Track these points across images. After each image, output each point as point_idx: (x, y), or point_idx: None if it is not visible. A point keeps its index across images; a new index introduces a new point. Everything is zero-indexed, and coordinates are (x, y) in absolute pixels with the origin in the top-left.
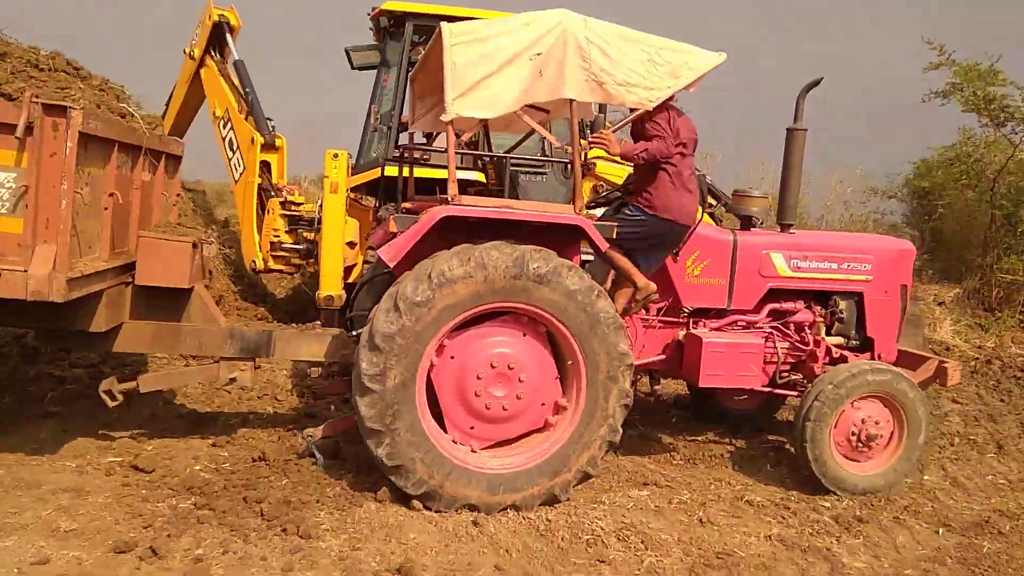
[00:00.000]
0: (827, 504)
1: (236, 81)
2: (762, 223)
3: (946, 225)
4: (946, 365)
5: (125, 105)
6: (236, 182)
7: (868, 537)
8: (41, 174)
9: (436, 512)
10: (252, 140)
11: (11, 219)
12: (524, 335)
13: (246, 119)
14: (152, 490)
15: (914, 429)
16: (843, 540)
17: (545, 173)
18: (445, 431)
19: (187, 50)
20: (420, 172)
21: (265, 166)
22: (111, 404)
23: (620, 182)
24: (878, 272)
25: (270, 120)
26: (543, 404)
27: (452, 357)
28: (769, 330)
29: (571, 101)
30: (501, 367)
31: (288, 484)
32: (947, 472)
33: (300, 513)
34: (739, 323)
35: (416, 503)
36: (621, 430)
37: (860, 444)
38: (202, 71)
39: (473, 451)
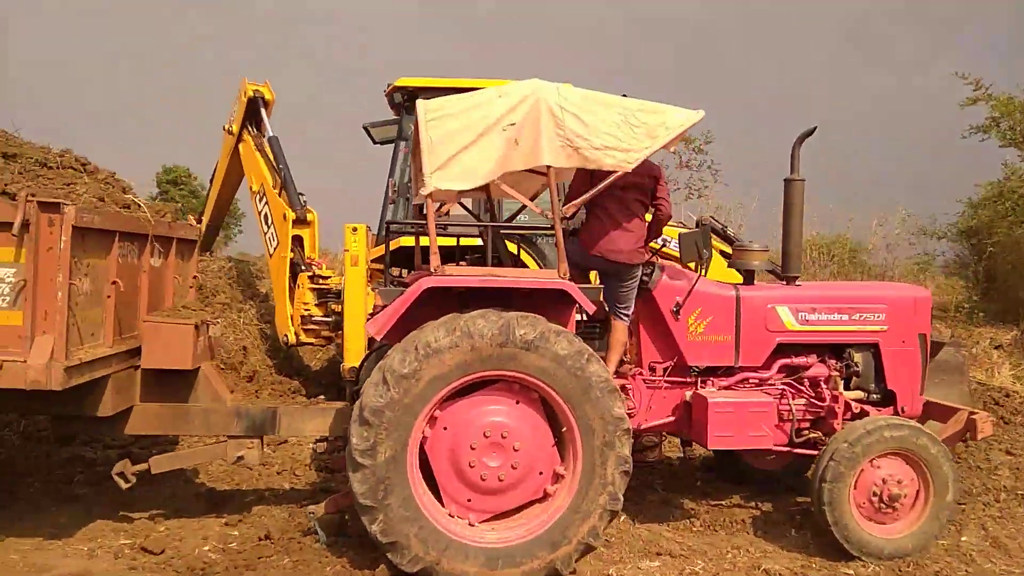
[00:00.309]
0: (850, 571)
1: (271, 156)
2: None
3: (999, 264)
4: (975, 417)
5: (131, 196)
6: (271, 256)
7: None
8: (38, 268)
9: None
10: (284, 216)
11: (11, 312)
12: (517, 403)
13: (279, 194)
14: (156, 572)
15: (940, 487)
16: None
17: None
18: (442, 505)
19: (226, 126)
20: (443, 241)
21: (297, 240)
22: (124, 486)
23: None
24: (893, 321)
25: (302, 195)
26: (541, 473)
27: (445, 428)
28: (782, 387)
29: (549, 168)
30: (495, 436)
31: (289, 563)
32: (988, 532)
33: None
34: (750, 380)
35: None
36: (622, 498)
37: (883, 505)
38: (240, 146)
39: (471, 524)
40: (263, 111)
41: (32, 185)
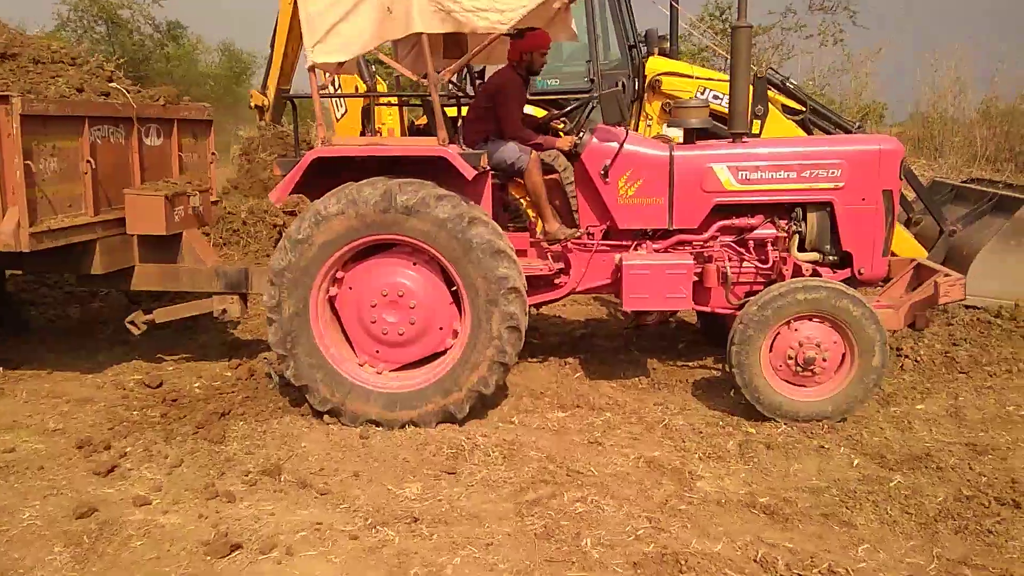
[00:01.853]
0: (753, 430)
1: None
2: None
3: None
4: (939, 280)
5: (114, 84)
6: (337, 121)
7: (760, 463)
8: (1, 152)
9: (342, 426)
10: (356, 88)
11: None
12: (414, 264)
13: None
14: (142, 402)
15: (865, 350)
16: (728, 466)
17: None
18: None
19: None
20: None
21: (365, 113)
22: (136, 332)
23: (688, 96)
24: (851, 177)
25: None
26: (441, 328)
27: (350, 288)
28: (721, 249)
29: (422, 34)
30: (392, 295)
31: (244, 399)
32: (957, 401)
33: (224, 422)
34: (685, 243)
35: (327, 418)
36: (510, 351)
37: (800, 368)
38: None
39: (378, 373)
40: None
41: (17, 81)
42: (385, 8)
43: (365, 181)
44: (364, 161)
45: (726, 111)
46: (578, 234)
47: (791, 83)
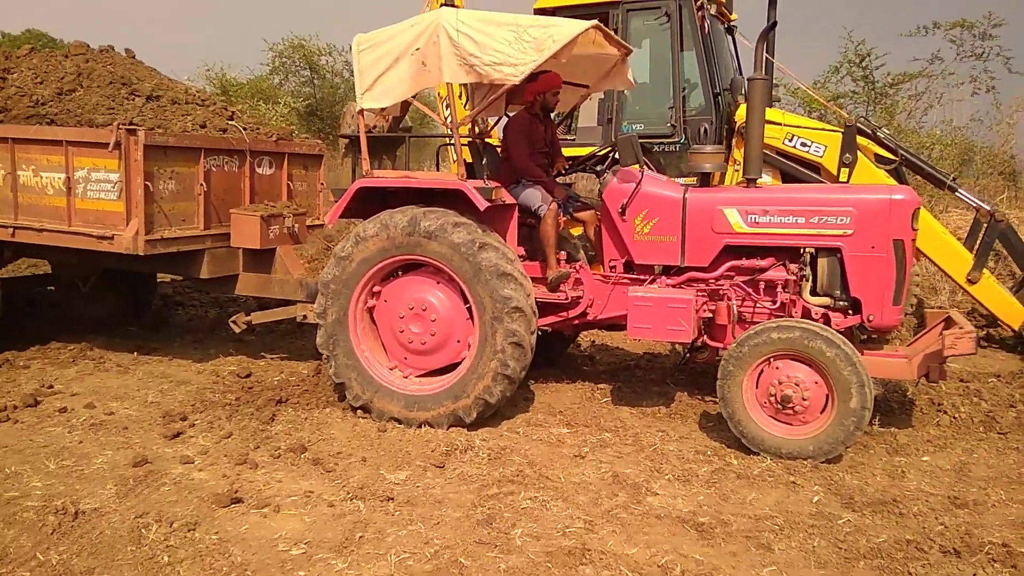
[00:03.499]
0: (736, 462)
1: None
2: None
3: None
4: (945, 333)
5: (232, 123)
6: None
7: (721, 490)
8: (128, 173)
9: (368, 420)
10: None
11: (117, 203)
12: (438, 283)
13: (465, 105)
14: (227, 388)
15: (842, 392)
16: (690, 488)
17: (675, 144)
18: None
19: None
20: (568, 151)
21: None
22: (237, 330)
23: (777, 143)
24: (860, 225)
25: None
26: (459, 341)
27: (386, 300)
28: (730, 288)
29: (449, 83)
30: (417, 309)
31: (302, 392)
32: (969, 459)
33: (279, 408)
34: (697, 281)
35: (360, 413)
36: (512, 364)
37: (780, 406)
38: None
39: (405, 376)
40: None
41: (153, 118)
42: (420, 62)
43: (398, 209)
44: (406, 191)
45: (814, 158)
46: (564, 273)
47: (883, 132)
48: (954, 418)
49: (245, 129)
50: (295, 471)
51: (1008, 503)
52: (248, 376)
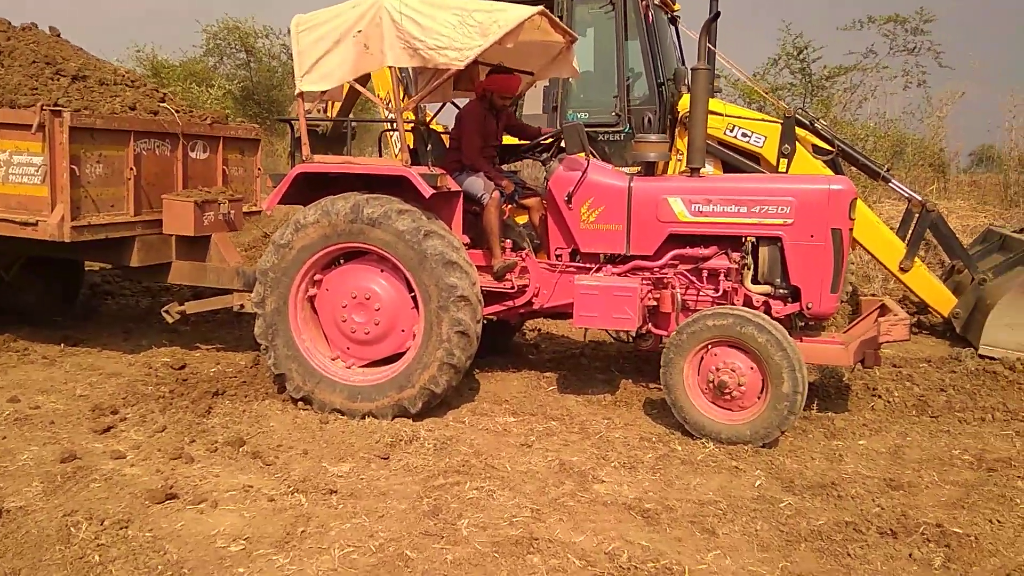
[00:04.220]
0: (680, 448)
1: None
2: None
3: None
4: (880, 320)
5: (164, 104)
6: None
7: (666, 476)
8: (53, 157)
9: (309, 412)
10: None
11: (41, 187)
12: (381, 271)
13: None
14: (160, 380)
15: (775, 377)
16: (636, 475)
17: (619, 134)
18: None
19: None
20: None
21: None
22: (170, 320)
23: (718, 133)
24: (800, 215)
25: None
26: (403, 331)
27: (327, 289)
28: (674, 276)
29: (391, 68)
30: (360, 297)
31: (240, 384)
32: (903, 442)
33: (215, 400)
34: (641, 269)
35: (301, 404)
36: (458, 354)
37: (718, 391)
38: None
39: (348, 367)
40: None
41: (79, 99)
42: (363, 45)
43: (339, 195)
44: (347, 177)
45: (754, 148)
46: (511, 262)
47: (820, 123)
48: (888, 402)
49: (178, 112)
50: (233, 465)
51: (940, 484)
52: (182, 368)
